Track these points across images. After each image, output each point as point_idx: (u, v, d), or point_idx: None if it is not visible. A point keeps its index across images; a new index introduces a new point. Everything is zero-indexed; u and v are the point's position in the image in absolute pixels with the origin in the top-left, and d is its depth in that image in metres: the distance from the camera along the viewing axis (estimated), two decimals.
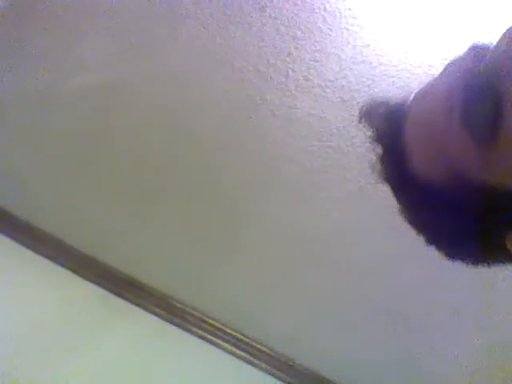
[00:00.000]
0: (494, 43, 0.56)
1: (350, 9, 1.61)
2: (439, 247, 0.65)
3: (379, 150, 0.65)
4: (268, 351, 2.25)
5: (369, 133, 0.66)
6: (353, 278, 2.05)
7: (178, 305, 2.20)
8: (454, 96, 0.56)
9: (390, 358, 2.17)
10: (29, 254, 2.06)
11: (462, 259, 0.64)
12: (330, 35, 1.65)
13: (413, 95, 0.64)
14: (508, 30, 0.55)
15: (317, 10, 1.61)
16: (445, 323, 2.04)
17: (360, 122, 0.67)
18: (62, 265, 2.10)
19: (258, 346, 2.24)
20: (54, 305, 2.02)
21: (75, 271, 2.10)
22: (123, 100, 1.86)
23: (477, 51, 0.59)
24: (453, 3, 1.57)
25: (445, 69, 0.63)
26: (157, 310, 2.19)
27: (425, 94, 0.62)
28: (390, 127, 0.63)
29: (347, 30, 1.63)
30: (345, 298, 2.10)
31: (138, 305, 2.17)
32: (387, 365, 2.18)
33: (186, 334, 2.21)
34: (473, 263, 0.64)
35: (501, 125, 0.52)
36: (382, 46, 1.65)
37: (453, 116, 0.56)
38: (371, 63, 1.67)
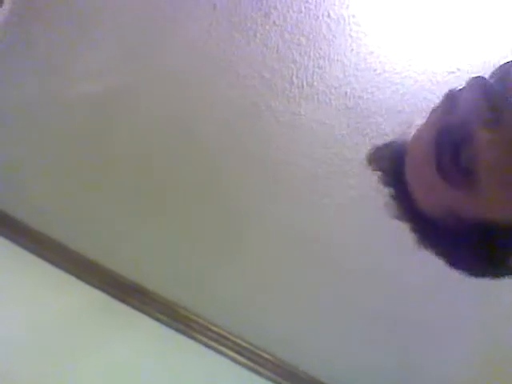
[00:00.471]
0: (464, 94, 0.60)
1: (353, 16, 1.62)
2: (451, 266, 0.69)
3: (389, 190, 0.70)
4: (271, 358, 2.24)
5: (377, 175, 0.71)
6: (355, 283, 2.05)
7: (182, 311, 2.20)
8: (432, 149, 0.62)
9: (393, 365, 2.16)
10: (32, 258, 2.06)
11: (468, 273, 0.69)
12: (333, 42, 1.65)
13: (409, 139, 0.68)
14: (471, 82, 0.60)
15: (321, 17, 1.62)
16: (445, 327, 2.04)
17: (369, 166, 0.73)
18: (66, 270, 2.10)
19: (262, 353, 2.24)
20: (57, 310, 2.01)
21: (79, 276, 2.10)
22: (127, 105, 1.87)
23: (451, 99, 0.63)
24: (456, 11, 1.57)
25: (428, 117, 0.67)
26: (160, 316, 2.18)
27: (414, 142, 0.67)
28: (394, 170, 0.68)
29: (351, 36, 1.64)
30: (348, 304, 2.09)
31: (141, 311, 2.17)
32: (390, 371, 2.18)
33: (190, 341, 2.20)
34: (477, 277, 0.69)
35: (476, 174, 0.57)
36: (386, 52, 1.66)
37: (432, 168, 0.61)
38: (375, 70, 1.68)
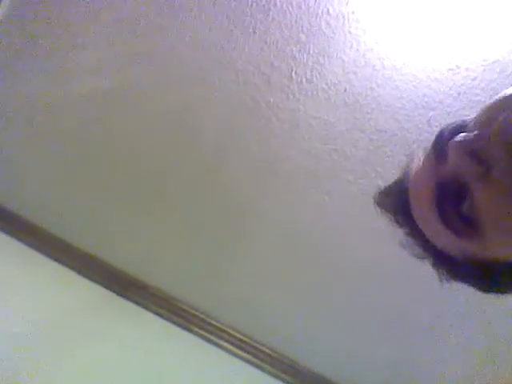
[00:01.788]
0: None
1: (353, 12, 1.62)
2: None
3: (403, 230, 0.72)
4: (271, 352, 2.25)
5: (388, 218, 0.73)
6: (356, 279, 2.05)
7: (182, 305, 2.20)
8: (433, 200, 0.62)
9: (395, 361, 2.17)
10: (32, 253, 2.07)
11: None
12: (333, 39, 1.65)
13: (411, 180, 0.69)
14: (461, 137, 0.59)
15: (320, 14, 1.62)
16: (444, 325, 2.04)
17: (379, 211, 0.74)
18: (66, 265, 2.10)
19: (262, 348, 2.24)
20: (57, 305, 2.02)
21: (78, 271, 2.11)
22: (127, 102, 1.87)
23: (441, 152, 0.63)
24: (455, 8, 1.57)
25: (424, 162, 0.67)
26: (160, 310, 2.19)
27: (415, 187, 0.68)
28: (402, 211, 0.70)
29: (350, 33, 1.64)
30: (348, 300, 2.10)
31: (141, 305, 2.17)
32: (390, 367, 2.18)
33: (189, 335, 2.21)
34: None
35: (479, 223, 0.58)
36: (385, 49, 1.65)
37: (435, 216, 0.62)
38: (374, 66, 1.68)
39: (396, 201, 0.71)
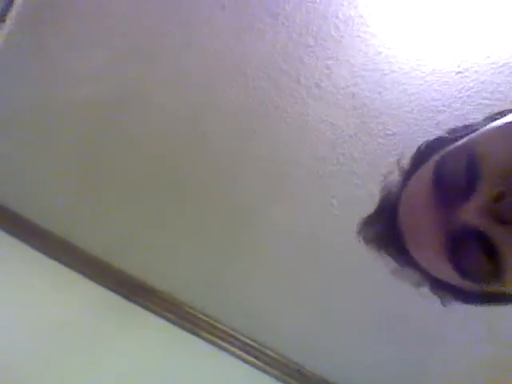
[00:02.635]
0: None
1: (361, 16, 1.63)
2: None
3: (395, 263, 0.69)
4: (278, 357, 2.24)
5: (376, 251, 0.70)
6: (363, 283, 2.05)
7: (189, 310, 2.20)
8: (444, 250, 0.59)
9: (400, 365, 2.16)
10: (40, 257, 2.07)
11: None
12: (341, 42, 1.66)
13: (404, 214, 0.65)
14: None
15: (329, 18, 1.63)
16: (449, 326, 2.04)
17: (366, 245, 0.72)
18: (74, 268, 2.11)
19: (268, 352, 2.24)
20: (64, 308, 2.02)
21: (87, 275, 2.11)
22: (135, 106, 1.88)
23: (444, 193, 0.59)
24: (464, 12, 1.57)
25: (424, 198, 0.63)
26: (168, 314, 2.19)
27: (413, 228, 0.64)
28: (394, 244, 0.67)
29: (359, 37, 1.65)
30: (354, 303, 2.09)
31: (148, 309, 2.17)
32: (397, 371, 2.18)
33: (197, 339, 2.21)
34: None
35: (502, 273, 0.55)
36: (394, 53, 1.66)
37: (450, 268, 0.59)
38: (383, 70, 1.68)
39: (385, 233, 0.68)
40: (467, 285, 0.61)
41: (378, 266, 2.01)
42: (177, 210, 2.07)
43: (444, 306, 0.69)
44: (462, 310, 1.98)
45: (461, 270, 0.58)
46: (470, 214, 0.54)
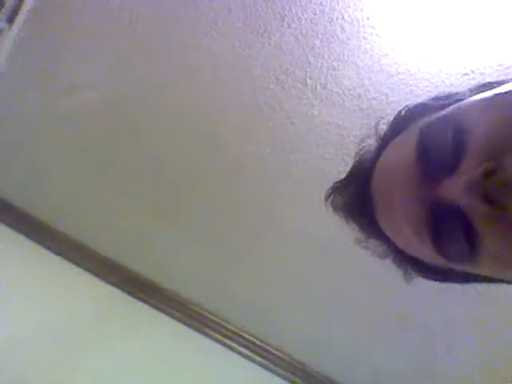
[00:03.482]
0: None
1: (368, 18, 1.63)
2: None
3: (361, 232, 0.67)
4: (284, 356, 2.25)
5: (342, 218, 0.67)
6: (369, 283, 2.05)
7: (197, 309, 2.21)
8: (425, 223, 0.56)
9: (405, 365, 2.16)
10: (47, 255, 2.09)
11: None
12: (348, 44, 1.66)
13: (378, 183, 0.62)
14: None
15: (335, 19, 1.63)
16: (454, 329, 2.03)
17: (328, 206, 0.68)
18: (83, 267, 2.12)
19: (275, 351, 2.24)
20: (72, 306, 2.04)
21: (95, 274, 2.13)
22: (142, 107, 1.89)
23: (428, 164, 0.56)
24: (470, 13, 1.57)
25: (404, 166, 0.60)
26: (175, 313, 2.20)
27: (389, 199, 0.60)
28: (362, 213, 0.64)
29: (365, 39, 1.65)
30: (362, 304, 2.09)
31: (155, 308, 2.18)
32: (403, 371, 2.17)
33: (204, 338, 2.21)
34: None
35: (477, 252, 0.53)
36: (400, 54, 1.66)
37: (426, 242, 0.56)
38: (389, 72, 1.68)
39: (354, 202, 0.65)
40: (437, 261, 0.58)
41: (382, 266, 2.01)
42: (185, 209, 2.08)
43: (407, 281, 0.67)
44: (463, 310, 1.97)
45: (437, 247, 0.55)
46: (456, 189, 0.51)
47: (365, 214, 0.63)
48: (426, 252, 0.58)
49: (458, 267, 0.58)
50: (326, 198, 0.69)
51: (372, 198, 0.62)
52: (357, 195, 0.65)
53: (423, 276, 0.65)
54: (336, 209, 0.67)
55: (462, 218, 0.52)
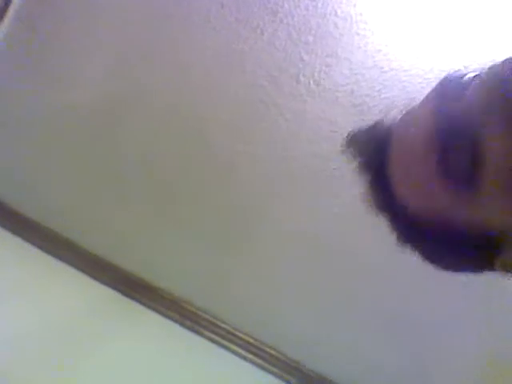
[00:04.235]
0: (471, 82, 0.55)
1: (361, 14, 1.63)
2: (432, 264, 0.66)
3: (367, 178, 0.65)
4: (279, 355, 2.24)
5: (355, 162, 0.66)
6: (365, 281, 2.05)
7: (191, 308, 2.20)
8: (432, 139, 0.55)
9: (401, 363, 2.16)
10: (41, 255, 2.08)
11: (454, 272, 0.66)
12: (341, 40, 1.66)
13: (395, 125, 0.62)
14: (483, 75, 0.54)
15: (328, 15, 1.63)
16: (452, 327, 2.04)
17: (345, 151, 0.67)
18: (74, 266, 2.11)
19: (269, 350, 2.24)
20: (65, 306, 2.03)
21: (87, 273, 2.12)
22: (135, 105, 1.88)
23: (449, 87, 0.57)
24: (463, 9, 1.57)
25: (421, 105, 0.61)
26: (169, 312, 2.19)
27: (405, 129, 0.61)
28: (374, 159, 0.63)
29: (358, 35, 1.65)
30: (356, 302, 2.09)
31: (149, 307, 2.18)
32: (398, 370, 2.18)
33: (198, 337, 2.21)
34: (463, 273, 0.65)
35: (482, 177, 0.51)
36: (393, 50, 1.66)
37: (431, 161, 0.55)
38: (382, 68, 1.68)
39: (370, 142, 0.64)
40: (439, 201, 0.56)
41: (380, 265, 2.02)
42: (178, 208, 2.08)
43: (397, 245, 0.66)
44: (462, 310, 1.98)
45: (442, 165, 0.54)
46: (482, 90, 0.52)
47: (377, 158, 0.63)
48: (426, 184, 0.56)
49: (455, 206, 0.55)
50: (346, 138, 0.68)
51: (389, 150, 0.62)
52: (376, 140, 0.64)
53: (422, 248, 0.64)
54: (351, 147, 0.67)
55: (473, 139, 0.51)
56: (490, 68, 0.55)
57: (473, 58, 1.63)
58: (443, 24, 1.62)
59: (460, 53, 1.63)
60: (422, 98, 0.64)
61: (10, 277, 1.99)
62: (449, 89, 0.57)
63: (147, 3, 1.69)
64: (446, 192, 0.55)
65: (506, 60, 0.54)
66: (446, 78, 0.58)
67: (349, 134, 0.68)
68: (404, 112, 0.62)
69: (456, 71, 0.58)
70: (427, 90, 1.62)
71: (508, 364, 2.00)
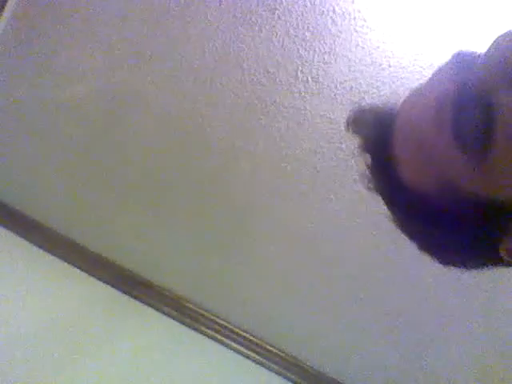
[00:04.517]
0: (483, 52, 0.55)
1: (359, 11, 1.62)
2: (431, 254, 0.64)
3: (367, 158, 0.64)
4: (279, 352, 2.25)
5: (356, 141, 0.64)
6: (363, 279, 2.05)
7: (189, 305, 2.21)
8: (445, 107, 0.55)
9: (402, 361, 2.16)
10: (40, 253, 2.08)
11: (455, 265, 0.64)
12: (339, 37, 1.65)
13: (401, 103, 0.62)
14: (497, 40, 0.54)
15: (326, 12, 1.62)
16: (450, 326, 2.03)
17: (347, 130, 0.66)
18: (73, 264, 2.11)
19: (269, 347, 2.24)
20: (64, 304, 2.03)
21: (87, 271, 2.12)
22: (133, 103, 1.88)
23: (463, 59, 0.58)
24: (462, 6, 1.56)
25: (433, 76, 0.61)
26: (168, 310, 2.19)
27: (413, 103, 0.61)
28: (378, 135, 0.62)
29: (356, 31, 1.64)
30: (356, 300, 2.09)
31: (148, 304, 2.18)
32: (399, 367, 2.18)
33: (197, 335, 2.21)
34: (465, 268, 0.64)
35: (493, 139, 0.51)
36: (392, 47, 1.65)
37: (444, 128, 0.55)
38: (381, 65, 1.68)
39: (373, 124, 0.63)
40: (448, 170, 0.56)
41: (380, 263, 2.01)
42: (177, 206, 2.07)
43: (396, 230, 0.65)
44: (461, 310, 1.97)
45: (458, 134, 0.53)
46: (497, 50, 0.53)
47: (382, 149, 0.62)
48: (439, 148, 0.56)
49: (465, 176, 0.55)
50: (349, 116, 0.67)
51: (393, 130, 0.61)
52: (381, 117, 0.63)
53: (412, 221, 0.63)
54: (354, 125, 0.66)
55: (486, 102, 0.52)
56: (498, 37, 0.54)
57: None
58: (442, 21, 1.61)
59: (458, 49, 1.62)
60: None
61: (8, 274, 2.00)
62: (463, 58, 0.58)
63: (145, 2, 1.68)
64: (458, 158, 0.54)
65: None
66: (459, 52, 0.59)
67: (351, 112, 0.67)
68: (409, 94, 0.62)
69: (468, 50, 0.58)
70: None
71: (508, 364, 2.00)
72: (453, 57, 0.59)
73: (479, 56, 0.56)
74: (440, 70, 0.60)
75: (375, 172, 0.63)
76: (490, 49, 0.54)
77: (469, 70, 0.55)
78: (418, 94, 0.61)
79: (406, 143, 0.59)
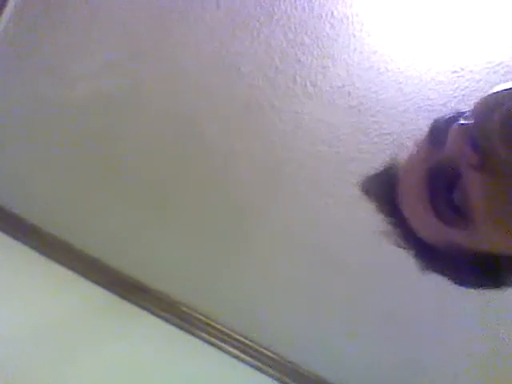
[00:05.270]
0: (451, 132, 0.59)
1: (357, 15, 1.62)
2: (458, 285, 0.71)
3: (387, 219, 0.70)
4: (274, 356, 2.25)
5: (373, 205, 0.71)
6: (360, 282, 2.05)
7: (185, 309, 2.20)
8: (423, 189, 0.61)
9: (398, 364, 2.17)
10: (35, 256, 2.07)
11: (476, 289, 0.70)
12: (337, 41, 1.66)
13: (400, 169, 0.68)
14: (457, 127, 0.59)
15: (324, 17, 1.62)
16: (451, 328, 2.04)
17: (364, 197, 0.72)
18: (69, 267, 2.10)
19: (265, 352, 2.24)
20: (60, 307, 2.02)
21: (83, 274, 2.11)
22: (131, 104, 1.87)
23: (438, 131, 0.62)
24: (460, 10, 1.57)
25: (412, 156, 0.66)
26: (163, 313, 2.19)
27: (405, 176, 0.66)
28: (388, 200, 0.68)
29: (354, 36, 1.64)
30: (352, 302, 2.09)
31: (144, 308, 2.17)
32: (395, 370, 2.18)
33: (193, 339, 2.21)
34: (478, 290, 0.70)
35: (469, 214, 0.57)
36: (390, 52, 1.66)
37: (426, 206, 0.61)
38: (379, 69, 1.68)
39: (383, 187, 0.70)
40: (441, 235, 0.62)
41: (376, 265, 2.01)
42: (173, 210, 2.07)
43: (423, 274, 0.71)
44: (460, 310, 1.98)
45: (434, 206, 0.60)
46: (452, 136, 0.58)
47: (390, 201, 0.68)
48: (430, 223, 0.62)
49: (461, 240, 0.61)
50: (360, 185, 0.74)
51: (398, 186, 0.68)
52: (386, 185, 0.70)
53: (437, 267, 0.69)
54: (366, 193, 0.73)
55: (455, 177, 0.57)
56: (463, 117, 0.61)
57: (468, 59, 1.63)
58: (439, 25, 1.62)
59: (456, 54, 1.63)
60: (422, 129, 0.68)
61: (6, 279, 1.99)
62: (435, 137, 0.62)
63: (144, 5, 1.68)
64: (446, 228, 0.61)
65: (476, 104, 0.60)
66: (434, 123, 0.64)
67: (362, 180, 0.74)
68: (408, 154, 0.68)
69: (446, 115, 0.64)
70: (423, 93, 1.61)
71: (506, 364, 2.01)
72: (429, 131, 0.64)
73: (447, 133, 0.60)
74: (419, 146, 0.65)
75: (396, 230, 0.70)
76: (451, 136, 0.59)
77: (438, 151, 0.60)
78: (408, 166, 0.66)
79: (407, 209, 0.66)
